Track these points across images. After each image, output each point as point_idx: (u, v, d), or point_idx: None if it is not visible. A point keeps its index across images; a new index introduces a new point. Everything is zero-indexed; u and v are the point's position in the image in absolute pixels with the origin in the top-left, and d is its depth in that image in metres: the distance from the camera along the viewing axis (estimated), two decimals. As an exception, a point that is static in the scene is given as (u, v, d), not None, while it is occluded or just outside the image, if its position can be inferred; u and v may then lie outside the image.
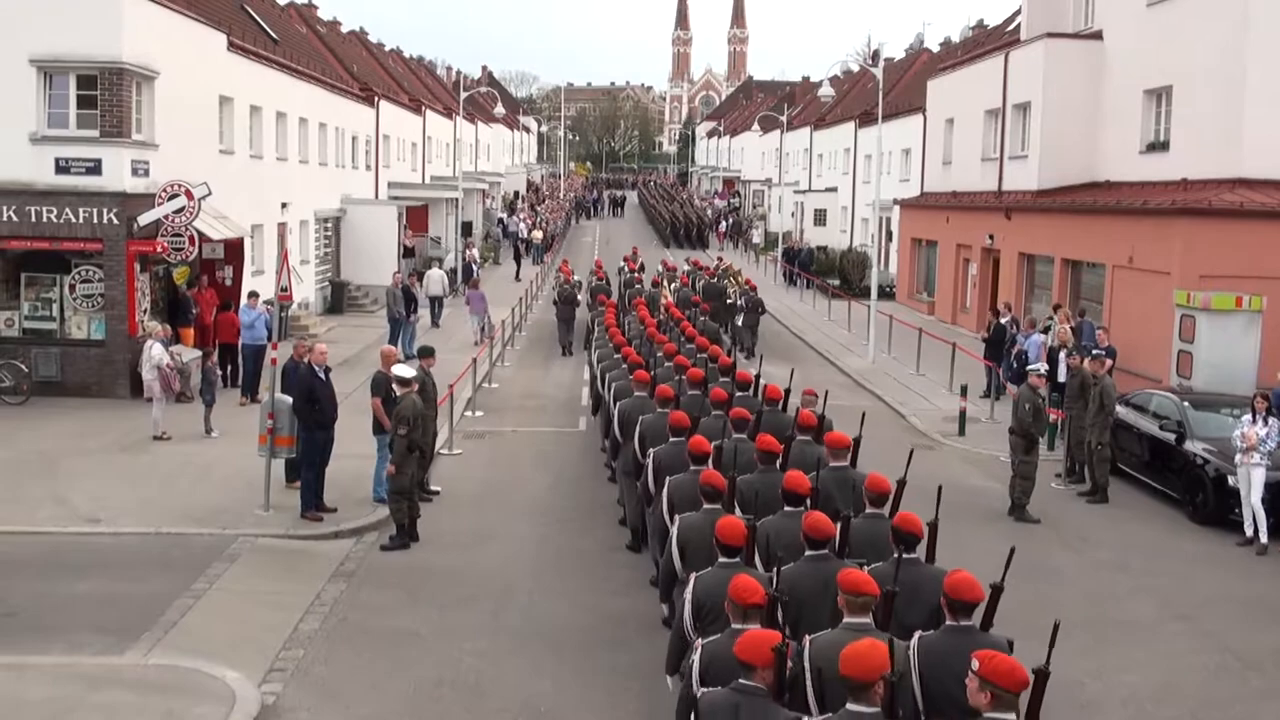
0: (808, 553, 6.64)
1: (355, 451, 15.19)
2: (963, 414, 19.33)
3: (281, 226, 28.30)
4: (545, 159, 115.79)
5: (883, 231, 42.13)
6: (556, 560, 12.28)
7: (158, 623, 9.89)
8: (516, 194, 71.17)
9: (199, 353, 19.81)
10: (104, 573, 11.15)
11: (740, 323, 28.21)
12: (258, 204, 26.09)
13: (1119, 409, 15.90)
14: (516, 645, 9.86)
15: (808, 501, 7.53)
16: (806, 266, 42.62)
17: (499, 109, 51.12)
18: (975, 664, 4.59)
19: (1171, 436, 15.18)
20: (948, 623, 5.50)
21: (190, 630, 9.80)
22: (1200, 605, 11.37)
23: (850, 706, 4.65)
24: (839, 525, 7.07)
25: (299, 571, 11.61)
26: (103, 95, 18.94)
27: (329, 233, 32.95)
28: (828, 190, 54.05)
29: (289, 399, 13.13)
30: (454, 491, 14.88)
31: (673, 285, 29.40)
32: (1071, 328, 19.84)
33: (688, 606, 6.50)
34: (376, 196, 37.95)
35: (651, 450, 10.18)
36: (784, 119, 59.58)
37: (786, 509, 7.54)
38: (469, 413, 19.98)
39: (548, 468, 16.51)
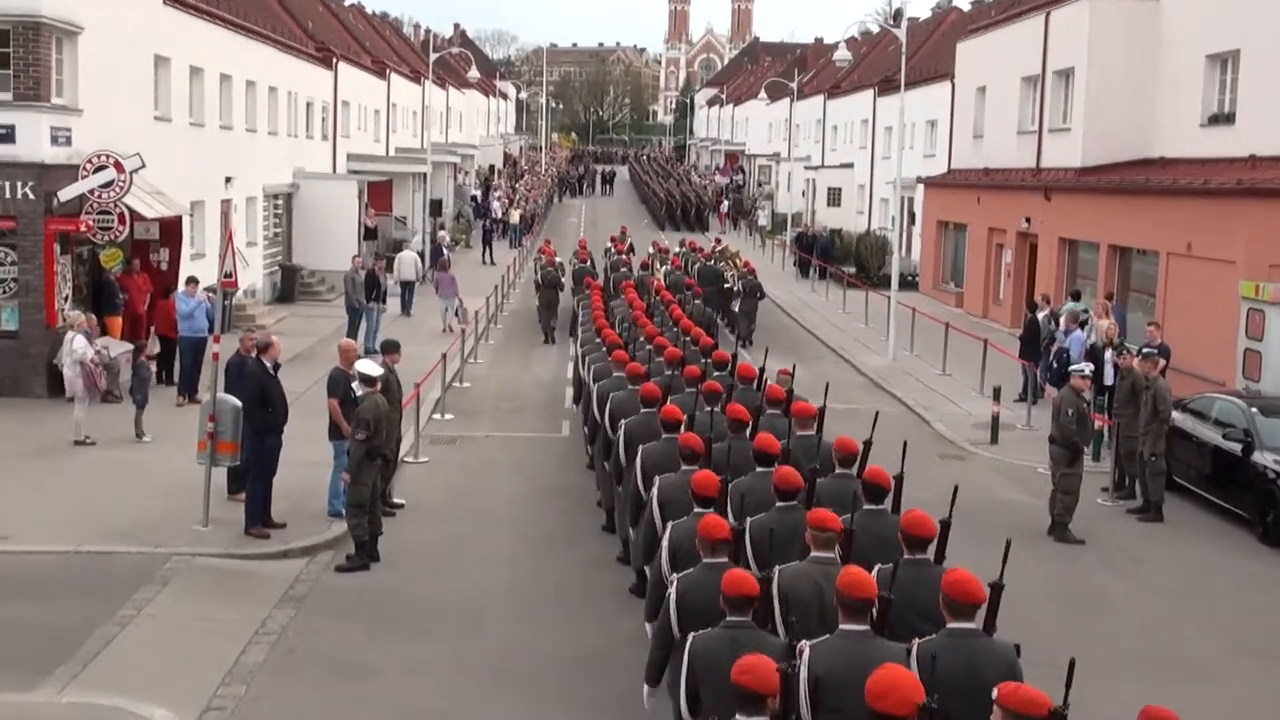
0: (778, 504, 7.78)
1: (307, 459, 15.06)
2: (995, 419, 19.27)
3: (225, 204, 28.10)
4: (525, 129, 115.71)
5: (904, 213, 42.04)
6: (535, 583, 12.20)
7: (75, 655, 9.72)
8: (492, 169, 71.04)
9: (129, 346, 19.61)
10: (12, 598, 10.97)
11: (737, 308, 28.39)
12: (198, 178, 25.92)
13: (1175, 415, 15.79)
14: (489, 681, 9.77)
15: (777, 462, 8.59)
16: (826, 254, 41.94)
17: (473, 73, 50.97)
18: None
19: (1237, 447, 15.06)
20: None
21: (114, 663, 9.63)
22: (1277, 639, 11.24)
23: (844, 626, 5.53)
24: (807, 482, 8.12)
25: (242, 596, 11.48)
26: (16, 53, 18.73)
27: (279, 211, 32.79)
28: (843, 166, 54.03)
29: (233, 399, 12.98)
30: (420, 505, 14.78)
31: (664, 268, 29.58)
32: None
33: (664, 553, 7.62)
34: (334, 170, 37.79)
35: (623, 422, 11.54)
36: (794, 86, 59.55)
37: (758, 469, 8.64)
38: (437, 415, 19.89)
39: (526, 478, 16.43)
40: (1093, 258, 27.18)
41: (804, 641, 5.59)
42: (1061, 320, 21.30)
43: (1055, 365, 19.71)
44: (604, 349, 15.09)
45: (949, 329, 25.69)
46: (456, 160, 55.03)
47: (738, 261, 32.11)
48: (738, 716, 4.82)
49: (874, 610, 5.76)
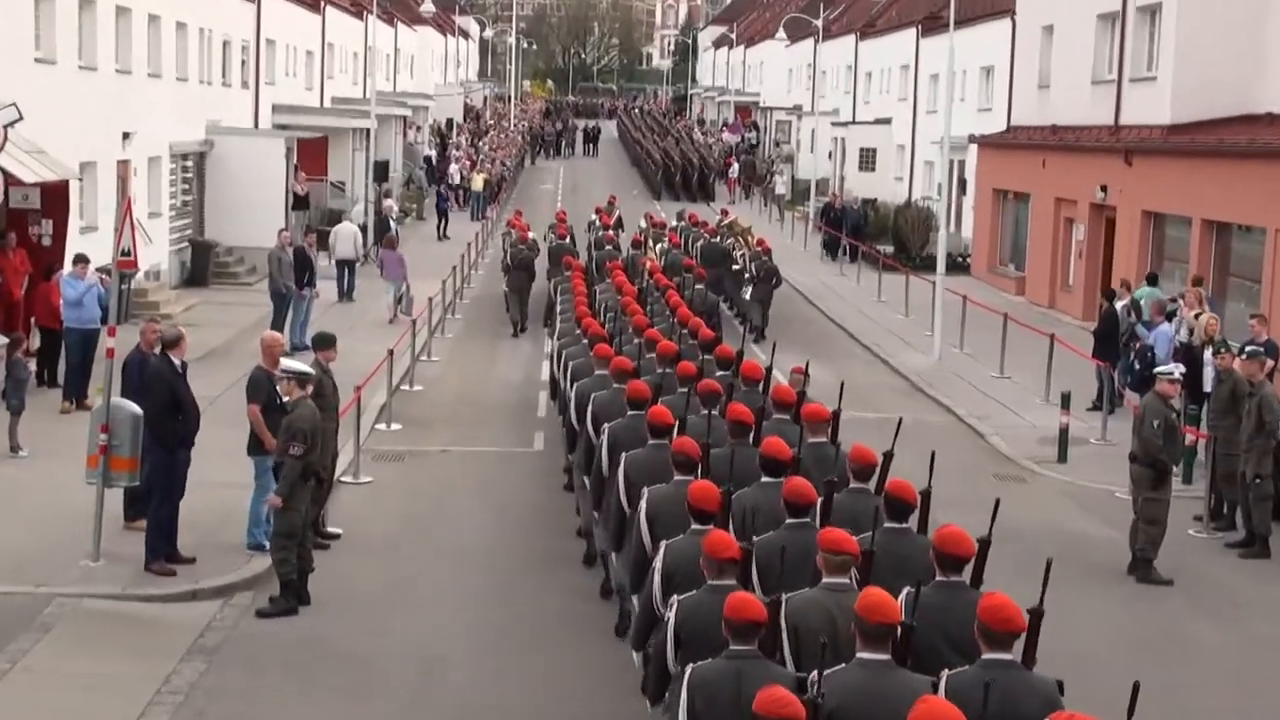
0: (788, 520, 8.03)
1: (221, 479, 14.97)
2: (1064, 432, 19.31)
3: (123, 165, 28.04)
4: (491, 76, 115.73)
5: (954, 180, 42.09)
6: (501, 629, 12.20)
7: (-62, 718, 9.71)
8: (450, 123, 71.07)
9: (2, 340, 19.53)
10: None
11: (749, 295, 28.49)
12: (90, 134, 25.85)
13: (1284, 428, 15.79)
14: (446, 752, 9.77)
15: (787, 472, 8.72)
16: (858, 231, 41.89)
17: (427, 6, 51.09)
18: None
19: (1358, 467, 15.09)
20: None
21: (-15, 729, 9.63)
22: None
23: (861, 654, 6.00)
24: (821, 496, 8.37)
25: (141, 646, 11.40)
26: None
27: (189, 174, 32.78)
28: (878, 122, 54.14)
29: (131, 405, 12.95)
30: (361, 535, 14.76)
31: (659, 245, 29.63)
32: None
33: (657, 577, 7.88)
34: (256, 125, 37.76)
35: (606, 426, 11.67)
36: (819, 24, 59.58)
37: (764, 480, 8.88)
38: (382, 425, 19.90)
39: (490, 501, 16.44)
40: (1183, 235, 27.23)
41: (814, 672, 5.84)
42: (1144, 309, 21.32)
43: (1138, 366, 19.73)
44: (585, 342, 15.34)
45: (1008, 321, 25.74)
46: (407, 113, 55.02)
47: (749, 239, 32.24)
48: None
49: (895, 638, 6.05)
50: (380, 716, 10.32)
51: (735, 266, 29.91)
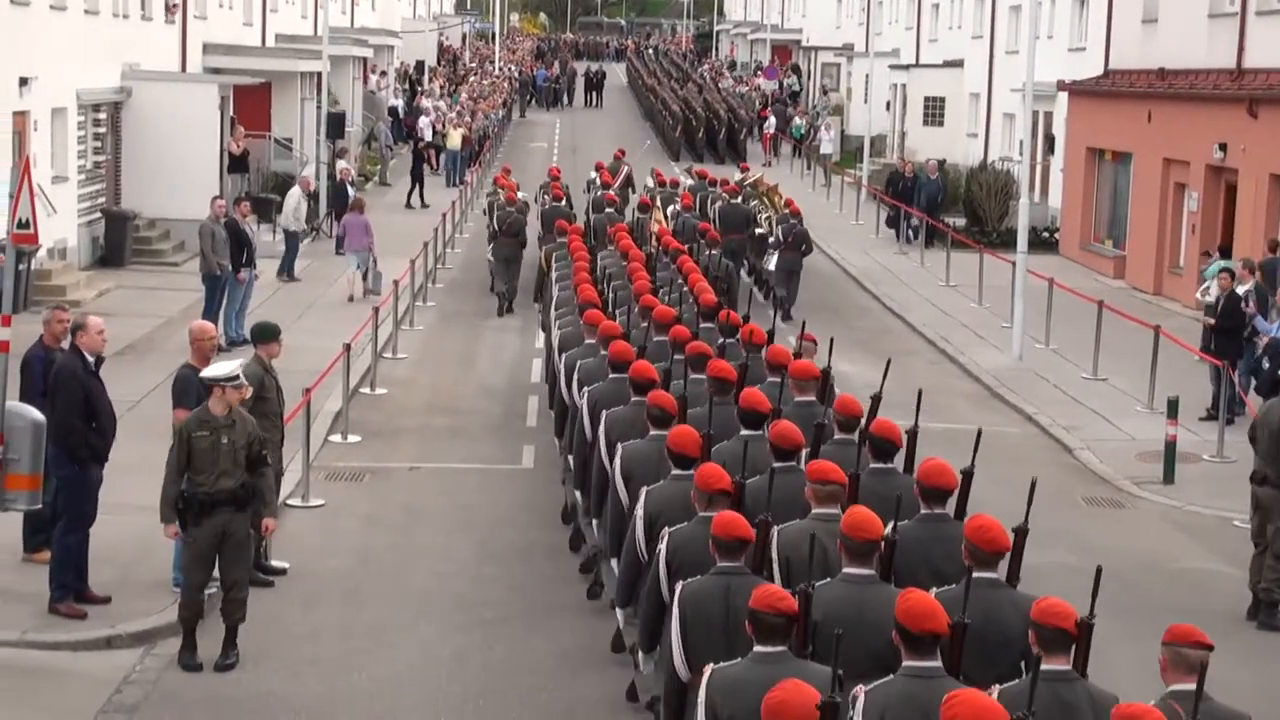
0: (775, 464, 9.62)
1: (139, 500, 14.99)
2: (1170, 447, 19.39)
3: (19, 118, 28.14)
4: (471, 9, 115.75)
5: (1038, 137, 42.09)
6: (485, 688, 12.25)
7: None
8: (421, 67, 71.18)
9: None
10: None
11: (775, 265, 28.89)
12: (-19, 79, 26.01)
13: None
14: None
15: (767, 424, 10.41)
16: (933, 207, 40.18)
17: (393, -78, 51.13)
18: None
19: None
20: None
21: None
22: None
23: (847, 570, 7.63)
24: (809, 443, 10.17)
25: (46, 702, 11.47)
26: None
27: (102, 129, 32.90)
28: (947, 66, 54.16)
29: (31, 411, 13.03)
30: (310, 570, 14.87)
31: (670, 208, 30.07)
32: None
33: (639, 524, 9.60)
34: (184, 69, 37.85)
35: (587, 389, 13.28)
36: (875, -55, 59.63)
37: (744, 432, 10.53)
38: (336, 437, 20.01)
39: (471, 530, 16.54)
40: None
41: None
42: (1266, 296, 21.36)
43: (1266, 365, 19.79)
44: (576, 308, 16.32)
45: (1103, 310, 25.79)
46: (368, 54, 55.09)
47: (776, 199, 32.68)
48: None
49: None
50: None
51: (759, 231, 30.33)
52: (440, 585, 14.80)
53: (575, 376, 14.13)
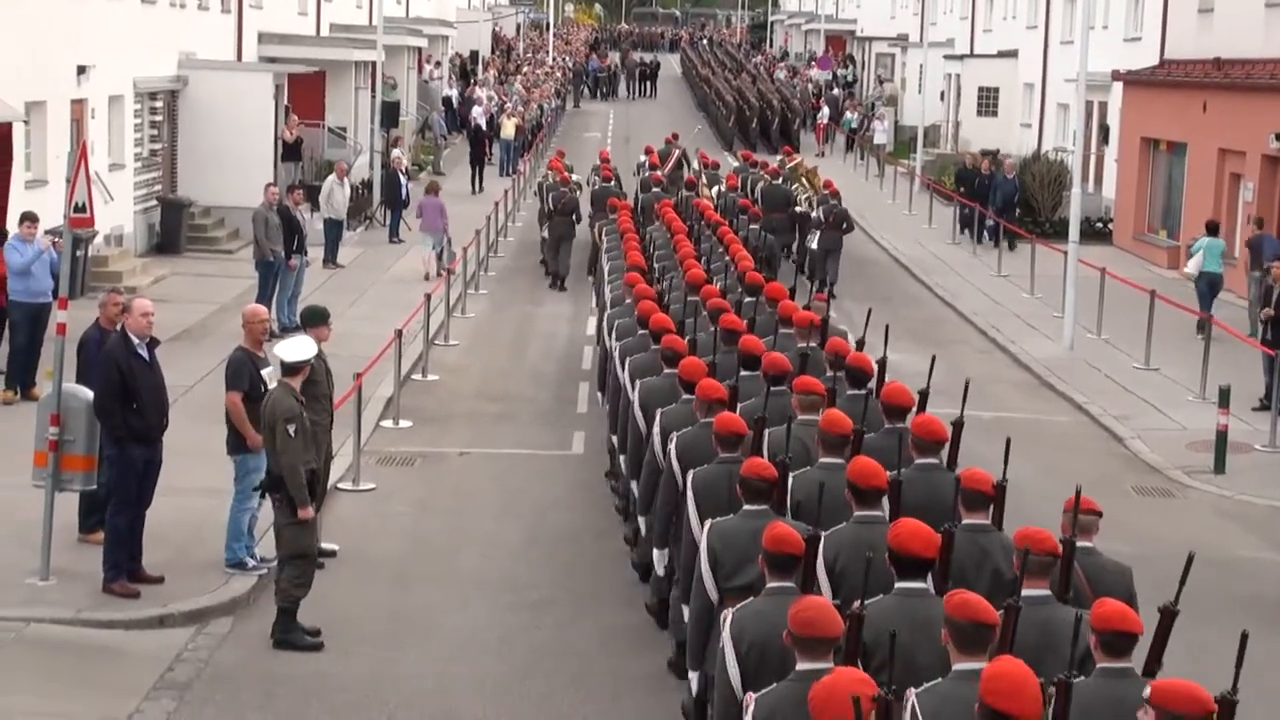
0: (800, 417, 10.82)
1: (197, 483, 15.23)
2: (1222, 436, 19.30)
3: (78, 106, 28.37)
4: (527, 1, 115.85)
5: (1093, 127, 41.88)
6: (531, 668, 12.35)
7: None
8: (475, 57, 71.31)
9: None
10: None
11: (815, 244, 29.62)
12: (35, 68, 26.15)
13: None
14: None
15: (789, 382, 11.63)
16: (1008, 208, 38.12)
17: (447, -88, 51.24)
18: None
19: None
20: (917, 461, 9.27)
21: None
22: None
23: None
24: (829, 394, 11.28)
25: (99, 680, 11.58)
26: None
27: (158, 118, 33.13)
28: (1001, 56, 53.96)
29: (88, 393, 13.20)
30: (361, 553, 14.98)
31: (716, 189, 31.15)
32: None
33: (656, 440, 11.73)
34: (239, 57, 38.07)
35: (628, 359, 14.46)
36: (929, -66, 59.48)
37: (772, 389, 11.47)
38: (388, 423, 20.13)
39: (519, 515, 16.62)
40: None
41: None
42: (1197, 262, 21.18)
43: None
44: (629, 303, 16.73)
45: (1155, 300, 25.69)
46: (422, 44, 55.26)
47: (815, 180, 33.54)
48: None
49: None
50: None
51: (798, 209, 31.12)
52: (488, 568, 14.89)
53: (627, 370, 14.57)
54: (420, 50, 55.67)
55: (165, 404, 13.55)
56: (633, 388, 13.70)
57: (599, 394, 18.13)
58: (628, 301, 16.58)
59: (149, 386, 13.26)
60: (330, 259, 31.25)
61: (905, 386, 11.25)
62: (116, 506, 13.19)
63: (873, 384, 11.84)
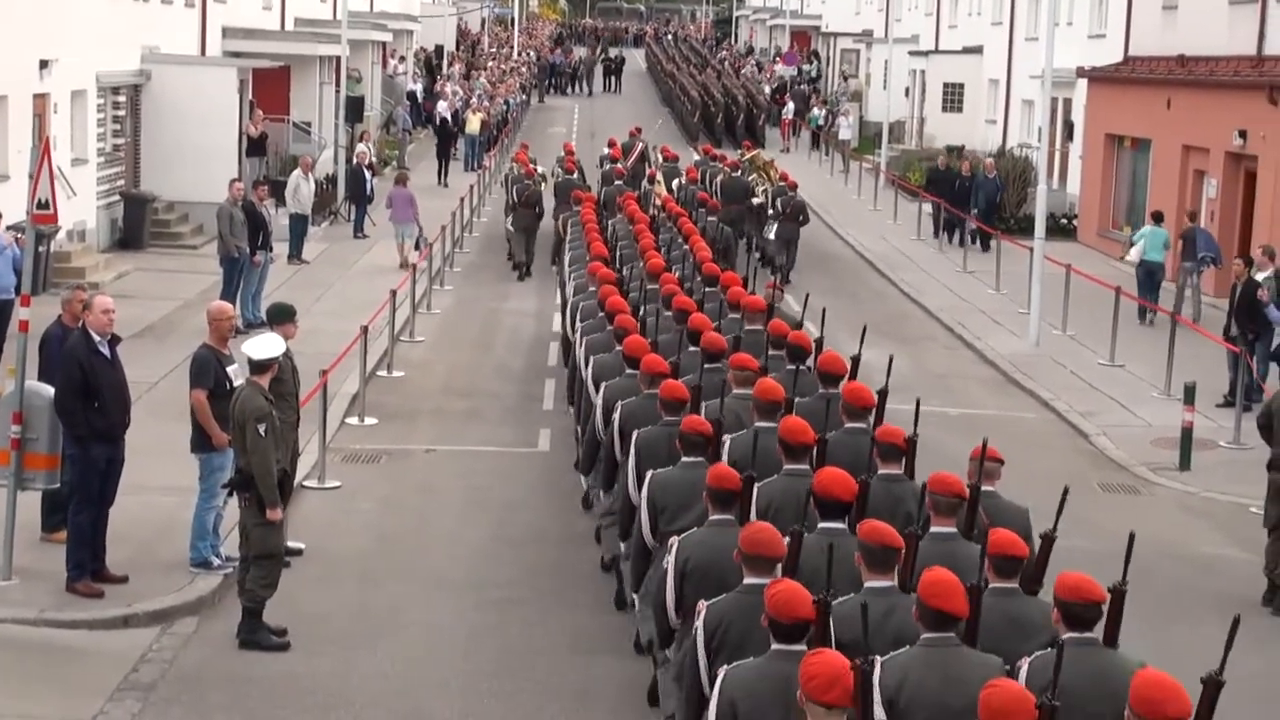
0: (734, 390, 11.54)
1: (160, 483, 15.20)
2: (1187, 433, 19.40)
3: (40, 100, 28.19)
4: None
5: (1058, 124, 41.97)
6: (499, 667, 12.33)
7: None
8: (440, 52, 71.17)
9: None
10: None
11: (774, 234, 30.57)
12: None
13: None
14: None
15: (725, 358, 12.57)
16: (990, 209, 37.35)
17: (412, -94, 51.09)
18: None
19: None
20: (846, 425, 10.73)
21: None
22: None
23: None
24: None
25: (62, 680, 11.54)
26: None
27: (121, 112, 32.96)
28: (966, 52, 54.09)
29: (50, 390, 13.10)
30: (327, 551, 14.93)
31: (675, 181, 31.91)
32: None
33: (599, 411, 12.23)
34: (203, 52, 37.90)
35: (586, 339, 15.35)
36: (894, -70, 59.51)
37: (707, 365, 12.35)
38: (353, 419, 20.07)
39: (487, 512, 16.60)
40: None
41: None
42: (1138, 251, 21.34)
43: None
44: (598, 302, 17.22)
45: (1121, 296, 25.77)
46: (387, 39, 55.10)
47: (772, 173, 34.49)
48: None
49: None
50: (349, 769, 10.54)
51: (755, 201, 31.85)
52: (456, 567, 14.84)
53: (579, 312, 16.39)
54: (385, 45, 55.48)
55: (127, 402, 13.46)
56: (587, 365, 14.62)
57: (570, 408, 18.18)
58: (591, 289, 17.28)
59: (110, 384, 13.16)
60: (295, 255, 31.12)
61: (839, 355, 12.44)
62: (79, 505, 13.11)
63: (811, 361, 12.85)
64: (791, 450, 9.85)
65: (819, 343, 13.84)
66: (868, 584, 7.79)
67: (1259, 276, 22.16)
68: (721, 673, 7.24)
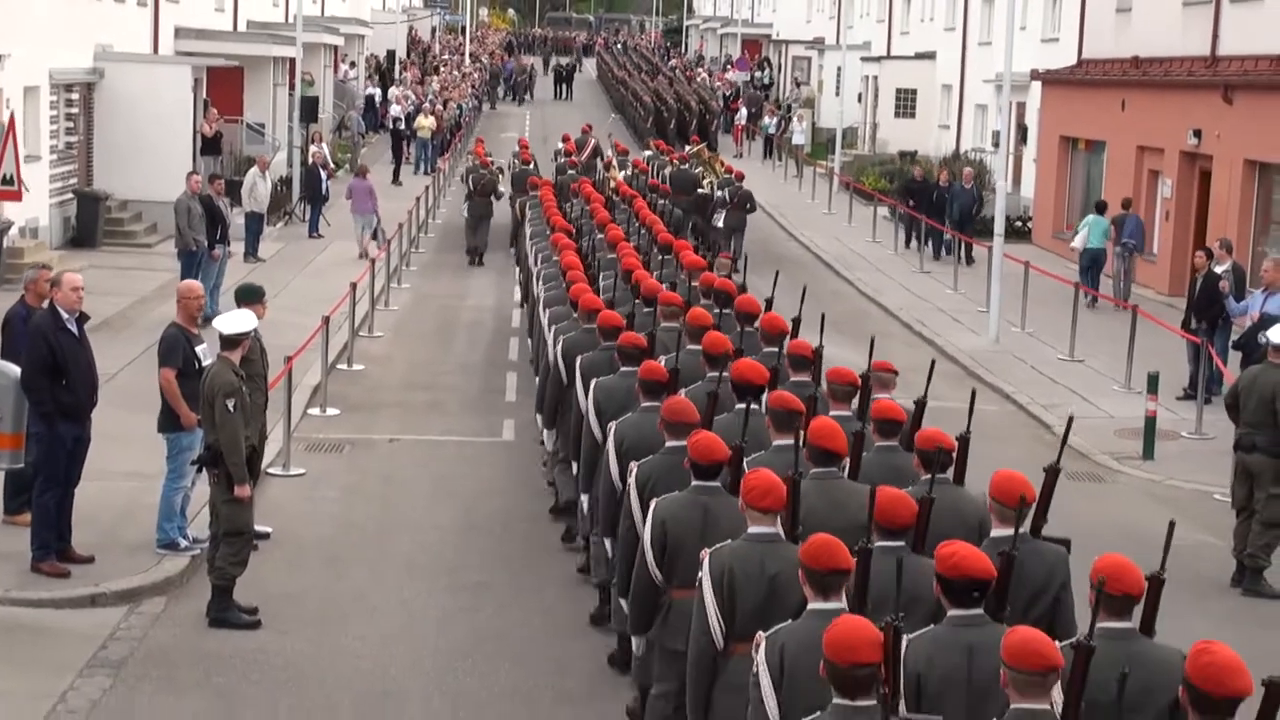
0: (709, 374, 11.41)
1: (123, 467, 15.19)
2: (1150, 422, 19.48)
3: (-8, 95, 28.03)
4: (441, 2, 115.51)
5: (1012, 126, 42.17)
6: (472, 647, 12.34)
7: None
8: (392, 58, 71.04)
9: None
10: None
11: (721, 223, 31.40)
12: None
13: None
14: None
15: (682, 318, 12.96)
16: (967, 220, 35.78)
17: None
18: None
19: None
20: (792, 378, 11.35)
21: None
22: None
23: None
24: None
25: (30, 658, 11.52)
26: None
27: (74, 110, 32.75)
28: (919, 58, 54.32)
29: (14, 369, 13.00)
30: (294, 535, 14.92)
31: (624, 173, 32.97)
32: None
33: (611, 455, 10.70)
34: (156, 50, 37.72)
35: (549, 309, 16.05)
36: (847, -63, 59.80)
37: (690, 347, 12.18)
38: (315, 410, 20.02)
39: (453, 499, 16.61)
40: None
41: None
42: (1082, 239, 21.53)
43: (1264, 341, 19.76)
44: (548, 238, 18.49)
45: (1080, 293, 25.89)
46: (339, 42, 54.95)
47: (718, 166, 35.78)
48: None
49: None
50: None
51: (701, 191, 32.78)
52: (423, 552, 14.80)
53: (542, 305, 16.61)
54: (337, 49, 55.33)
55: (95, 380, 13.39)
56: (549, 329, 15.25)
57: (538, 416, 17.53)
58: (555, 258, 18.07)
59: (78, 362, 13.09)
60: (251, 252, 30.97)
61: (781, 317, 12.94)
62: (44, 484, 13.01)
63: (759, 322, 13.34)
64: (742, 391, 10.45)
65: (796, 322, 13.58)
66: (815, 470, 9.00)
67: (1218, 269, 22.31)
68: (653, 504, 9.00)
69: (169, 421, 13.48)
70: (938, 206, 36.25)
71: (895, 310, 29.69)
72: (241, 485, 12.14)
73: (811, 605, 7.14)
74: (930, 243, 36.23)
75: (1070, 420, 8.90)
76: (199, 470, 12.81)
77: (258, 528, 14.40)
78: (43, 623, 12.24)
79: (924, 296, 31.14)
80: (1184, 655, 6.36)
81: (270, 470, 16.59)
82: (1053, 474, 8.30)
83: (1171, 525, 7.03)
